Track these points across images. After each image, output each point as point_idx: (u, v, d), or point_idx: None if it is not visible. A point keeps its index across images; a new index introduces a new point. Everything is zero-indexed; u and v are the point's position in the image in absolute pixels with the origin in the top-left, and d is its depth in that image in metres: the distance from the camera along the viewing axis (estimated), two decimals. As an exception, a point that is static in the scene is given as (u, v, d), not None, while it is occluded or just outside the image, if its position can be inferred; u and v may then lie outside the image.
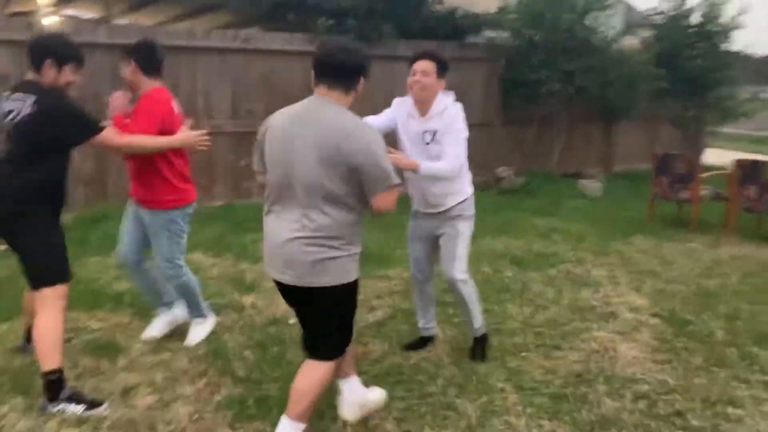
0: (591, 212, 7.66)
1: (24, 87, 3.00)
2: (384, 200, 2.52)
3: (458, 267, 3.51)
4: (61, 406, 2.96)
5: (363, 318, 4.13)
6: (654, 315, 4.34)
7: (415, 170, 3.26)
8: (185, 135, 3.49)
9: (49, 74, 3.02)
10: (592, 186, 8.82)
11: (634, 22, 11.13)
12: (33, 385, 3.12)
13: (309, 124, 2.52)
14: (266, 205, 2.66)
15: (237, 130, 7.17)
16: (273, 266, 2.62)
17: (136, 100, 3.50)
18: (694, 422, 3.03)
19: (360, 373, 3.34)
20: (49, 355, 2.99)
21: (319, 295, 2.55)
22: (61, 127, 2.96)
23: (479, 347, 3.70)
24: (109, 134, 3.11)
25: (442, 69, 3.41)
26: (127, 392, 3.18)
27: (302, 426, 2.61)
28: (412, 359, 3.62)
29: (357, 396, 2.97)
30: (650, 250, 5.99)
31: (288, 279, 2.56)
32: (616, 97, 8.76)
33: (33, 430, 2.83)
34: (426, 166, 3.30)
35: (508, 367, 3.56)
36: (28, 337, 3.35)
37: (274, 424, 2.86)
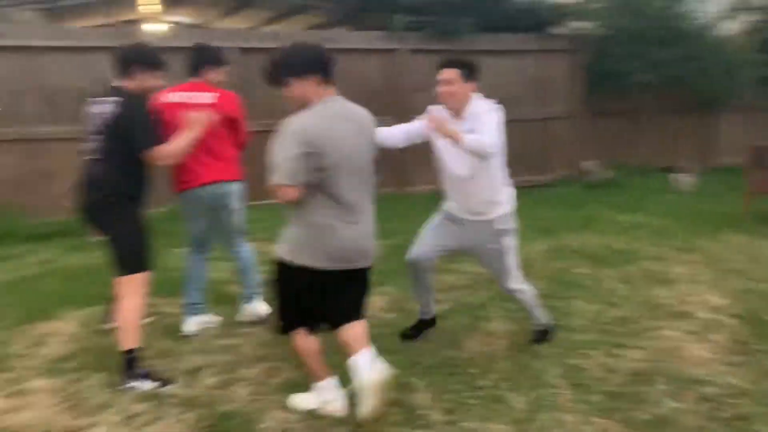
0: (680, 207, 7.28)
1: (112, 91, 3.31)
2: None
3: (513, 279, 3.59)
4: (136, 383, 3.23)
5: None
6: (732, 315, 4.09)
7: (457, 140, 3.20)
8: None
9: (134, 80, 3.33)
10: (685, 180, 8.36)
11: (737, 5, 10.41)
12: (113, 364, 3.41)
13: (353, 122, 2.77)
14: (329, 209, 2.76)
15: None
16: (345, 259, 2.82)
17: None
18: (761, 428, 2.85)
19: (414, 364, 3.43)
20: (128, 335, 3.28)
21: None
22: (131, 131, 3.23)
23: (540, 335, 3.75)
24: (154, 156, 3.27)
25: (468, 73, 3.38)
26: (192, 372, 3.41)
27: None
28: (466, 353, 3.63)
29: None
30: (740, 247, 5.63)
31: (360, 265, 2.89)
32: (712, 87, 8.26)
33: (107, 404, 3.09)
34: (468, 137, 3.21)
35: (567, 363, 3.49)
36: (109, 319, 3.68)
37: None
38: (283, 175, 2.67)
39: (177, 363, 3.52)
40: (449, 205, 3.63)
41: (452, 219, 3.61)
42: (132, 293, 3.32)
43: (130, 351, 3.28)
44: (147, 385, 3.23)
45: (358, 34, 7.98)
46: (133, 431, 2.87)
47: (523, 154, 8.62)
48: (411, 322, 3.91)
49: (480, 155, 3.27)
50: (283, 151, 2.66)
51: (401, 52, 7.55)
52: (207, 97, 3.79)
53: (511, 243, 3.55)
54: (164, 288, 4.48)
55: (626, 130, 9.16)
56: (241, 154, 4.00)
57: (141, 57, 3.38)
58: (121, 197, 3.31)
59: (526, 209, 6.96)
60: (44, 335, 3.86)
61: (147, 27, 14.67)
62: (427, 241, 3.64)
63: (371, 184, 2.93)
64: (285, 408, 3.05)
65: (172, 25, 13.70)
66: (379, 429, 2.85)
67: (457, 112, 3.39)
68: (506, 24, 8.12)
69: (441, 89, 3.38)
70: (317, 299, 2.89)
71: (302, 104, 2.76)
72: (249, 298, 4.13)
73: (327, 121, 2.71)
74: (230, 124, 3.86)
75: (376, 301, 4.39)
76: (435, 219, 3.70)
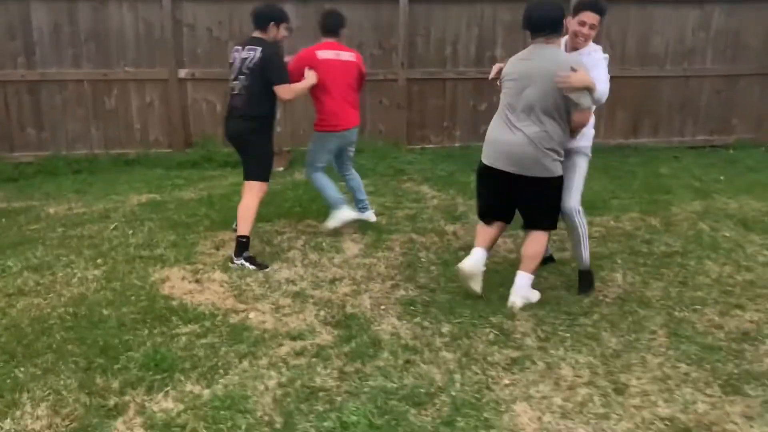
0: None
1: (254, 41, 4.28)
2: None
3: (574, 197, 3.76)
4: (241, 261, 4.23)
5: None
6: None
7: (592, 90, 3.46)
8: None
9: (271, 32, 4.29)
10: None
11: None
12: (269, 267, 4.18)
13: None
14: None
15: (479, 77, 7.63)
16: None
17: None
18: None
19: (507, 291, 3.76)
20: (244, 224, 4.29)
21: None
22: (269, 71, 4.18)
23: (585, 282, 3.92)
24: (282, 90, 4.25)
25: (603, 19, 3.70)
26: (333, 281, 4.05)
27: (532, 276, 3.70)
28: (575, 294, 3.86)
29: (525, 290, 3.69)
30: None
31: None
32: None
33: (263, 296, 3.84)
34: (599, 87, 3.51)
35: (674, 315, 3.60)
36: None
37: (431, 322, 3.49)
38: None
39: (322, 273, 4.19)
40: None
41: None
42: (252, 194, 4.34)
43: (243, 236, 4.27)
44: (249, 265, 4.21)
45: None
46: (277, 318, 3.56)
47: (704, 114, 8.15)
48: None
49: (600, 103, 3.62)
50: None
51: None
52: (350, 56, 4.73)
53: (583, 163, 3.80)
54: (323, 213, 5.18)
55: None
56: None
57: (274, 14, 4.32)
58: (257, 126, 4.32)
59: (692, 169, 6.77)
60: (225, 240, 4.74)
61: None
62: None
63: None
64: (399, 317, 3.57)
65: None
66: (472, 344, 3.26)
67: (575, 49, 3.74)
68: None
69: (582, 30, 3.67)
70: None
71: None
72: (363, 209, 5.06)
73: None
74: (361, 78, 4.81)
75: (506, 243, 4.74)
76: None
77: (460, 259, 4.37)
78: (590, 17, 3.64)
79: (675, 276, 4.12)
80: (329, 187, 4.83)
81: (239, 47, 4.32)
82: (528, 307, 3.67)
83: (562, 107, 3.45)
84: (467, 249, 4.58)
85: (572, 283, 4.02)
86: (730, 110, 8.17)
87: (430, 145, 7.79)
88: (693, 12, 7.75)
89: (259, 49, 4.19)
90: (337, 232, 4.85)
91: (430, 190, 6.18)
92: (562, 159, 3.59)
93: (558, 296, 3.84)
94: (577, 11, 3.68)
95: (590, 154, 3.89)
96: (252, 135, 4.33)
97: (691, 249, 4.56)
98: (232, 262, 4.25)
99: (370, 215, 5.13)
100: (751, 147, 7.94)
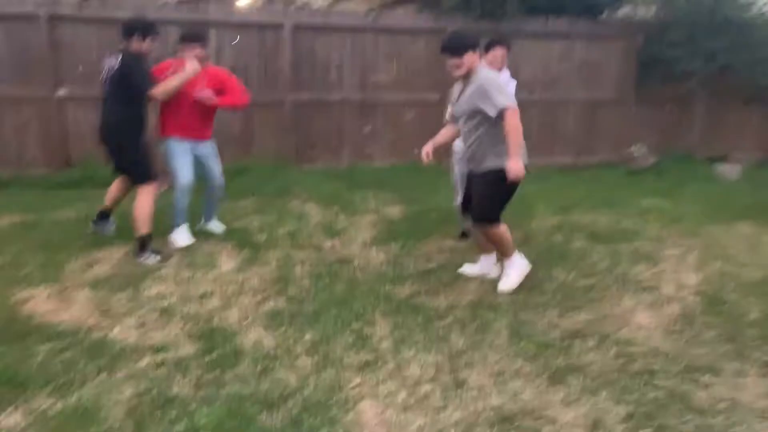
0: (713, 196, 7.32)
1: (119, 51, 4.58)
2: None
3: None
4: (147, 255, 4.64)
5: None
6: (697, 293, 4.37)
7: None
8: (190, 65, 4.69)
9: (135, 43, 4.56)
10: (729, 170, 8.32)
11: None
12: (138, 283, 4.21)
13: None
14: None
15: (363, 100, 7.97)
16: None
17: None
18: (660, 382, 3.22)
19: (389, 302, 4.00)
20: (142, 224, 4.69)
21: None
22: (131, 78, 4.50)
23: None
24: (156, 90, 4.58)
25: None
26: (203, 296, 4.14)
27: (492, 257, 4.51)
28: (437, 301, 4.15)
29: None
30: (749, 236, 5.75)
31: None
32: (765, 77, 8.11)
33: (128, 312, 3.88)
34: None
35: (518, 317, 3.94)
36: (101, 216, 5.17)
37: (295, 330, 3.66)
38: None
39: (193, 287, 4.26)
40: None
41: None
42: (145, 194, 4.72)
43: (144, 235, 4.68)
44: (155, 258, 4.61)
45: (410, 14, 8.44)
46: (142, 333, 3.61)
47: (570, 137, 8.86)
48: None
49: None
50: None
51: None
52: None
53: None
54: (206, 232, 5.26)
55: (676, 117, 9.12)
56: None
57: (140, 26, 4.60)
58: (122, 131, 4.63)
59: (558, 188, 7.34)
60: (99, 258, 4.70)
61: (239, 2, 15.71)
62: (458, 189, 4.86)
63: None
64: (265, 328, 3.71)
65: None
66: (330, 349, 3.46)
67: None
68: (556, 7, 8.31)
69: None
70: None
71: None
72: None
73: None
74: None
75: (378, 255, 5.00)
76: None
77: (332, 272, 4.61)
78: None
79: (525, 283, 4.50)
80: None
81: (108, 57, 4.59)
82: (388, 313, 3.92)
83: None
84: (342, 262, 4.83)
85: (434, 289, 4.32)
86: (593, 134, 8.93)
87: (319, 166, 8.01)
88: (557, 44, 8.46)
89: (120, 57, 4.50)
90: (214, 250, 4.95)
91: (314, 207, 6.37)
92: None
93: (419, 303, 4.11)
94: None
95: None
96: (119, 142, 4.64)
97: (543, 259, 4.98)
98: (136, 258, 4.64)
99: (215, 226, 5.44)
100: (612, 168, 8.71)
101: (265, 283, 4.38)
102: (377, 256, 4.99)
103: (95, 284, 4.23)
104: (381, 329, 3.72)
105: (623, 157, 8.87)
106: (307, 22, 7.63)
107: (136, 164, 4.73)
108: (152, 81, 4.58)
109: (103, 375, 3.13)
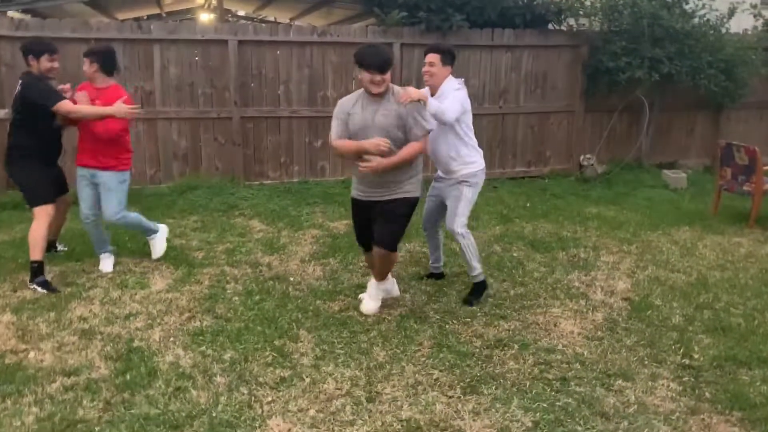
0: (658, 203, 7.44)
1: (23, 73, 4.57)
2: None
3: (458, 222, 4.27)
4: (34, 286, 4.45)
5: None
6: (624, 299, 4.43)
7: (424, 100, 3.90)
8: (118, 106, 4.47)
9: (33, 64, 4.51)
10: (676, 176, 8.45)
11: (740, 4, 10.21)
12: (61, 307, 4.15)
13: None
14: None
15: (313, 115, 7.97)
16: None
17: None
18: (573, 388, 3.25)
19: (316, 317, 3.98)
20: (34, 250, 4.49)
21: None
22: (30, 98, 4.41)
23: (473, 293, 4.39)
24: (64, 106, 4.42)
25: (447, 58, 4.23)
26: (128, 317, 4.08)
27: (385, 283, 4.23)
28: (362, 314, 4.14)
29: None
30: (684, 241, 5.84)
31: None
32: (710, 85, 8.29)
33: (12, 322, 3.81)
34: (431, 101, 3.98)
35: (443, 328, 3.96)
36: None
37: (215, 350, 3.62)
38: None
39: (119, 309, 4.20)
40: (438, 171, 4.51)
41: (437, 179, 4.52)
42: (38, 220, 4.53)
43: (35, 262, 4.48)
44: (41, 290, 4.43)
45: (357, 28, 8.49)
46: (58, 356, 3.55)
47: (521, 147, 8.94)
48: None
49: (440, 118, 4.01)
50: None
51: (396, 47, 8.01)
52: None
53: (467, 193, 4.29)
54: (144, 250, 5.21)
55: (625, 126, 9.26)
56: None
57: (31, 47, 4.54)
58: (15, 154, 4.56)
59: (505, 198, 7.40)
60: (24, 283, 4.63)
61: (201, 16, 15.73)
62: (425, 208, 4.62)
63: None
64: (185, 348, 3.67)
65: (224, 13, 14.62)
66: (250, 368, 3.43)
67: (433, 89, 4.24)
68: (503, 20, 8.42)
69: (424, 69, 4.26)
70: None
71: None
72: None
73: None
74: None
75: (315, 271, 4.98)
76: (431, 185, 4.59)
77: (264, 289, 4.58)
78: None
79: (458, 294, 4.51)
80: (141, 217, 5.00)
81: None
82: (314, 328, 3.91)
83: None
84: (277, 279, 4.80)
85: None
86: (543, 143, 9.02)
87: (269, 181, 7.99)
88: (505, 55, 8.56)
89: (21, 81, 4.50)
90: (147, 268, 4.90)
91: (258, 224, 6.34)
92: None
93: (347, 317, 4.10)
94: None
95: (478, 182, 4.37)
96: (9, 165, 4.63)
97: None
98: (28, 284, 4.48)
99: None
100: (563, 176, 8.80)
101: (194, 302, 4.34)
102: (314, 272, 4.98)
103: (19, 308, 4.16)
104: (304, 345, 3.71)
105: (574, 166, 8.98)
106: (253, 38, 7.63)
107: (25, 188, 4.63)
108: (56, 97, 4.43)
109: (8, 402, 3.06)
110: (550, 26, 8.83)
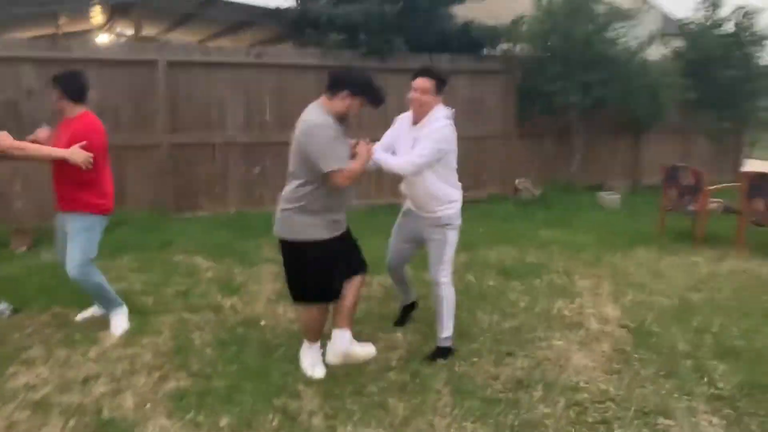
0: (602, 224, 7.54)
1: None
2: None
3: (443, 270, 3.81)
4: None
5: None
6: (622, 326, 4.31)
7: (369, 157, 3.46)
8: (73, 151, 3.77)
9: None
10: (610, 198, 8.68)
11: (669, 31, 10.89)
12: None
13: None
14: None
15: (250, 141, 7.46)
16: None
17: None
18: (618, 431, 3.03)
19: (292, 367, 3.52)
20: None
21: None
22: None
23: (439, 354, 3.81)
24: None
25: (440, 85, 3.66)
26: (86, 381, 3.43)
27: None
28: (359, 363, 3.73)
29: (342, 346, 3.58)
30: (647, 262, 5.89)
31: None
32: (638, 109, 8.62)
33: None
34: (380, 155, 3.57)
35: (455, 371, 3.63)
36: None
37: (207, 416, 3.08)
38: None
39: (73, 371, 3.54)
40: (406, 203, 3.98)
41: (407, 214, 3.96)
42: None
43: None
44: None
45: (295, 50, 8.13)
46: (11, 438, 2.88)
47: (459, 172, 8.84)
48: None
49: (393, 173, 3.63)
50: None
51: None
52: None
53: (452, 238, 3.82)
54: (77, 298, 4.51)
55: (557, 149, 9.46)
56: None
57: None
58: None
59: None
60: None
61: (97, 38, 14.65)
62: (393, 246, 4.09)
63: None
64: (169, 416, 3.10)
65: (119, 36, 13.66)
66: (257, 434, 2.93)
67: (418, 117, 3.67)
68: (440, 45, 8.35)
69: (413, 96, 3.63)
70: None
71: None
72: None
73: None
74: None
75: (287, 312, 4.50)
76: (397, 220, 4.07)
77: (238, 337, 4.06)
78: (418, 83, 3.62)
79: (455, 329, 4.20)
80: (107, 284, 4.17)
81: None
82: (312, 381, 3.45)
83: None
84: (247, 324, 4.29)
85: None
86: (480, 168, 8.99)
87: (203, 212, 7.36)
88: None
89: None
90: (91, 320, 4.22)
91: (204, 261, 5.73)
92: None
93: (345, 365, 3.67)
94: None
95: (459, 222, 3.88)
96: None
97: (461, 300, 4.67)
98: None
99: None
100: (500, 200, 8.79)
101: (161, 357, 3.74)
102: (285, 314, 4.49)
103: (-59, 379, 3.40)
104: (308, 403, 3.25)
105: (510, 190, 9.00)
106: (184, 59, 7.04)
107: None
108: None
109: (-39, 508, 2.40)
110: (484, 51, 8.88)
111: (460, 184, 3.92)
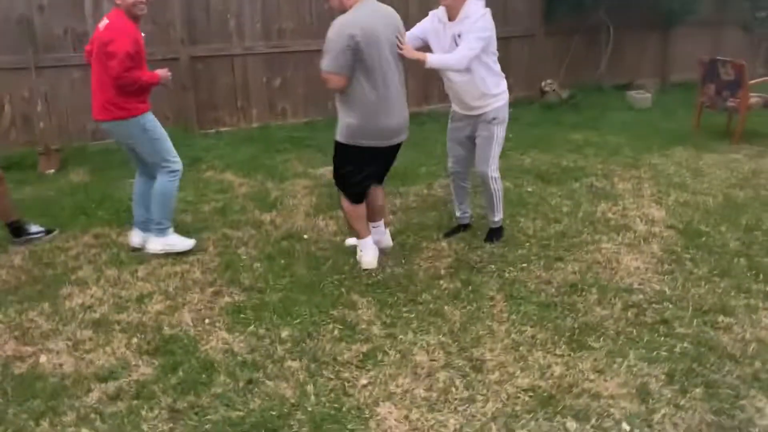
0: (634, 125, 7.36)
1: None
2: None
3: (492, 165, 3.94)
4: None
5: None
6: (669, 227, 4.25)
7: (423, 62, 3.53)
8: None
9: None
10: (641, 97, 8.42)
11: None
12: (57, 294, 3.45)
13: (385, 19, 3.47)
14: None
15: (269, 51, 7.20)
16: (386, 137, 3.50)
17: None
18: (679, 329, 3.03)
19: (359, 282, 3.53)
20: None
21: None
22: None
23: (494, 235, 4.11)
24: None
25: None
26: (141, 299, 3.46)
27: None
28: (411, 270, 3.72)
29: None
30: (686, 162, 5.76)
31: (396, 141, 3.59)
32: (671, 1, 8.19)
33: (55, 331, 3.14)
34: (432, 57, 3.60)
35: (505, 277, 3.62)
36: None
37: (267, 328, 3.10)
38: (332, 65, 3.30)
39: (125, 291, 3.56)
40: (453, 106, 4.02)
41: (454, 117, 4.01)
42: None
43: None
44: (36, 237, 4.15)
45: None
46: (78, 357, 2.92)
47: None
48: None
49: (450, 70, 3.67)
50: (332, 45, 3.27)
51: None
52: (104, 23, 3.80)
53: (499, 132, 3.90)
54: (118, 219, 4.51)
55: (584, 48, 9.07)
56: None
57: None
58: None
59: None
60: (-8, 268, 3.86)
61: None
62: (450, 151, 4.14)
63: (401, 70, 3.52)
64: (229, 330, 3.13)
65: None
66: (318, 345, 2.96)
67: (452, 11, 3.67)
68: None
69: None
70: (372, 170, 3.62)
71: (342, 8, 3.37)
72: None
73: (365, 18, 3.30)
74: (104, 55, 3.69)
75: (328, 225, 4.47)
76: (448, 125, 4.12)
77: (282, 251, 4.05)
78: None
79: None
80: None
81: None
82: (365, 291, 3.46)
83: None
84: (289, 238, 4.26)
85: (403, 257, 3.90)
86: (506, 70, 8.65)
87: (226, 128, 7.21)
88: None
89: None
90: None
91: (234, 177, 5.67)
92: None
93: (393, 275, 3.67)
94: None
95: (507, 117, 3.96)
96: None
97: (503, 207, 4.68)
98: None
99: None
100: (526, 104, 8.55)
101: (211, 274, 3.75)
102: (327, 227, 4.46)
103: (-2, 301, 3.43)
104: (365, 312, 3.26)
105: (537, 92, 8.74)
106: (196, -35, 6.68)
107: None
108: None
109: (45, 423, 2.46)
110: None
111: (503, 74, 3.94)
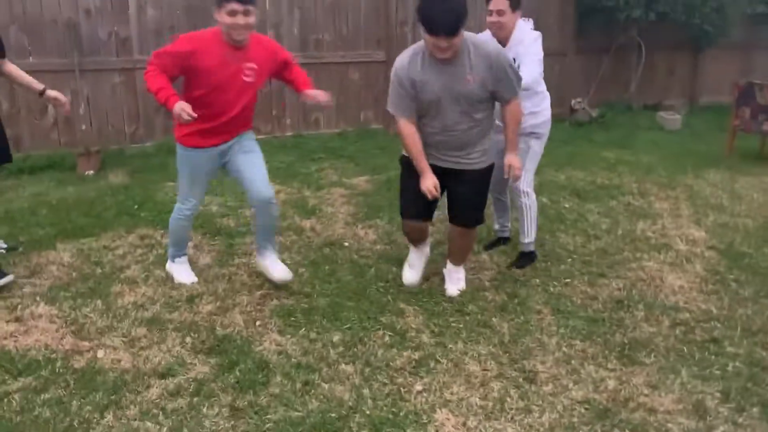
0: (666, 145, 7.37)
1: None
2: None
3: (525, 179, 3.84)
4: None
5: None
6: (710, 248, 4.26)
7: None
8: None
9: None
10: (671, 118, 8.43)
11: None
12: (110, 291, 3.51)
13: None
14: None
15: (305, 62, 7.30)
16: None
17: None
18: (730, 349, 3.04)
19: (405, 290, 3.56)
20: None
21: None
22: None
23: (523, 261, 3.97)
24: None
25: (515, 3, 3.59)
26: (192, 299, 3.51)
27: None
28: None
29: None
30: (721, 184, 5.77)
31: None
32: (703, 24, 8.22)
33: (110, 327, 3.20)
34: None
35: (550, 292, 3.64)
36: None
37: (318, 332, 3.14)
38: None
39: (175, 291, 3.61)
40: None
41: (498, 130, 3.70)
42: None
43: None
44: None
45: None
46: (135, 353, 2.98)
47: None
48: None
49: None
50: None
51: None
52: None
53: (535, 147, 3.88)
54: (161, 221, 4.57)
55: (615, 67, 9.12)
56: None
57: None
58: None
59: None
60: (42, 265, 3.93)
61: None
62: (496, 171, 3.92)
63: None
64: (281, 332, 3.18)
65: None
66: (369, 351, 2.99)
67: (504, 39, 3.64)
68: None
69: (491, 19, 3.61)
70: None
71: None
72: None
73: None
74: None
75: (368, 234, 4.52)
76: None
77: (326, 257, 4.10)
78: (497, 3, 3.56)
79: (536, 252, 4.19)
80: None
81: None
82: (411, 300, 3.50)
83: None
84: (331, 245, 4.31)
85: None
86: (537, 88, 8.73)
87: (260, 136, 7.26)
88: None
89: None
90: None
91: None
92: None
93: (437, 286, 3.70)
94: None
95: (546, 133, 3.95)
96: None
97: (541, 223, 4.68)
98: None
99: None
100: (558, 121, 8.56)
101: (258, 278, 3.80)
102: (366, 236, 4.51)
103: (52, 297, 3.49)
104: (413, 320, 3.30)
105: (567, 110, 8.78)
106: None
107: None
108: None
109: (110, 416, 2.51)
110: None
111: (548, 94, 3.98)
